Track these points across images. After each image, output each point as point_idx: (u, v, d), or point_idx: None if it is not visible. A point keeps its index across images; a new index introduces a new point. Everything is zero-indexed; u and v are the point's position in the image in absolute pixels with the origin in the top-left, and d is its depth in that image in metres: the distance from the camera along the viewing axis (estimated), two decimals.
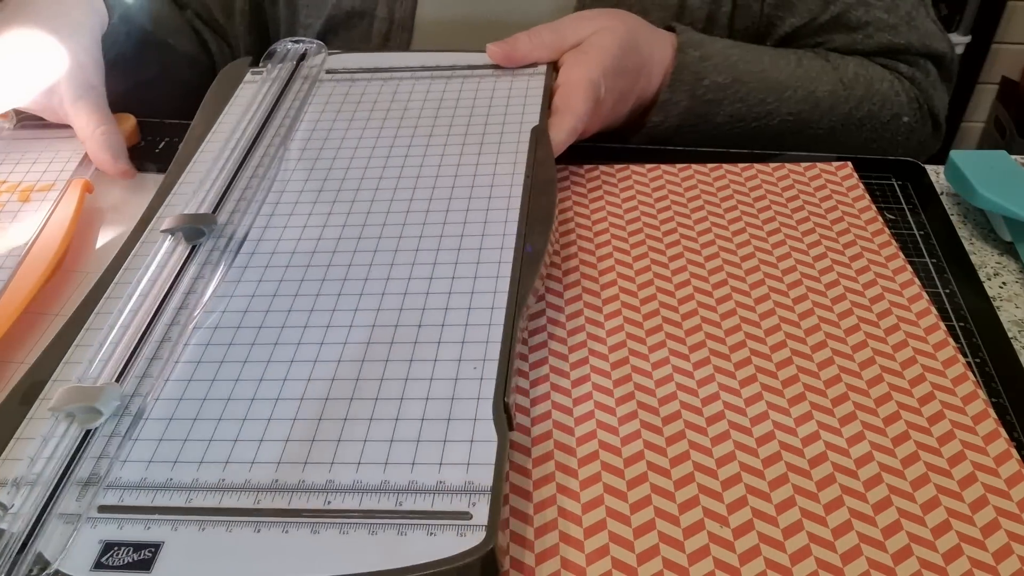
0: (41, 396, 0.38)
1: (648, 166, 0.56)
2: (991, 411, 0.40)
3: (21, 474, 0.35)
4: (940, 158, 0.59)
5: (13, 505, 0.34)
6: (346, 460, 0.35)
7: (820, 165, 0.56)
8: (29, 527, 0.33)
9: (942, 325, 0.45)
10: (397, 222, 0.46)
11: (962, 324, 0.47)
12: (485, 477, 0.34)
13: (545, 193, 0.47)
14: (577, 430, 0.40)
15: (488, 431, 0.35)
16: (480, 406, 0.37)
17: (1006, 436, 0.39)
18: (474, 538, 0.32)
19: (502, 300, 0.41)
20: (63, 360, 0.40)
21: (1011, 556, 0.35)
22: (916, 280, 0.48)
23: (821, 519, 0.36)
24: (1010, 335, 0.46)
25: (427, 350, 0.39)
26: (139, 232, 0.46)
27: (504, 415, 0.36)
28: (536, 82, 0.55)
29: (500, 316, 0.40)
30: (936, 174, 0.59)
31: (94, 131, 0.53)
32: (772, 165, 0.56)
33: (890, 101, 0.63)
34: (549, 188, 0.47)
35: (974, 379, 0.42)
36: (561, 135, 0.51)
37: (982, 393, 0.41)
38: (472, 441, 0.35)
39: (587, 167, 0.56)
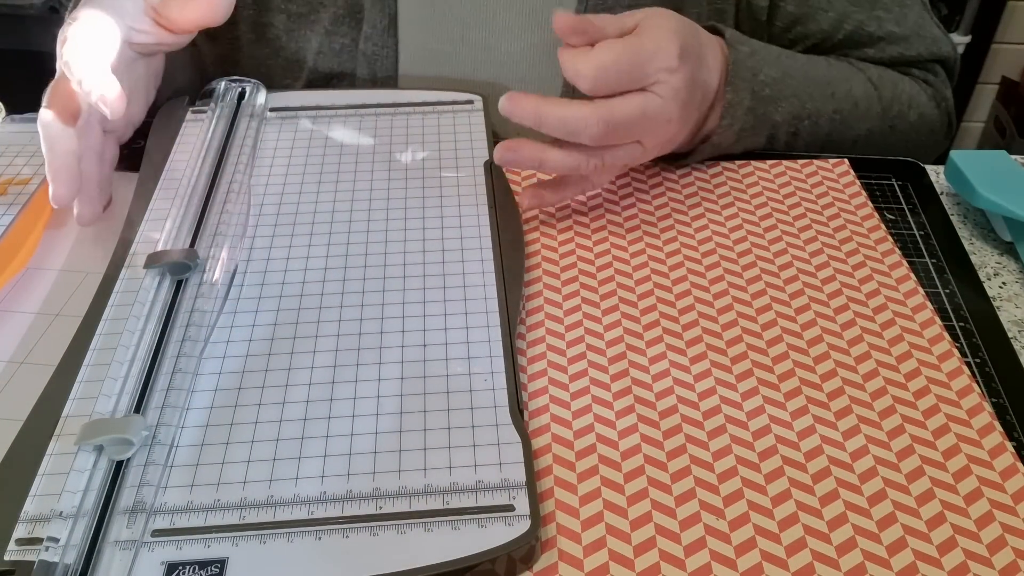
0: (56, 433, 0.39)
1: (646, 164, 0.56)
2: (986, 405, 0.41)
3: (61, 508, 0.36)
4: (940, 158, 0.59)
5: (60, 537, 0.34)
6: (386, 469, 0.37)
7: (817, 163, 0.57)
8: (84, 556, 0.34)
9: (938, 321, 0.45)
10: (378, 251, 0.48)
11: (962, 324, 0.47)
12: (518, 474, 0.37)
13: (510, 209, 0.51)
14: (574, 424, 0.40)
15: (511, 434, 0.39)
16: (499, 413, 0.40)
17: (1001, 430, 0.40)
18: (521, 526, 0.35)
19: (495, 319, 0.44)
20: (70, 397, 0.40)
21: (1005, 548, 0.35)
22: (912, 276, 0.48)
23: (817, 512, 0.36)
24: (1010, 335, 0.46)
25: (438, 367, 0.42)
26: (116, 268, 0.47)
27: (520, 418, 0.39)
28: (477, 117, 0.58)
29: (497, 333, 0.43)
30: (936, 174, 0.59)
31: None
32: (769, 163, 0.56)
33: (916, 101, 0.63)
34: (511, 203, 0.51)
35: (969, 374, 0.42)
36: (649, 47, 0.46)
37: (977, 387, 0.42)
38: (499, 444, 0.38)
39: None
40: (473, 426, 0.39)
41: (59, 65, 0.49)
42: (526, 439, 0.38)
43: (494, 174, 0.53)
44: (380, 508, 0.36)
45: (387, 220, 0.50)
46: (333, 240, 0.49)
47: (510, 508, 0.35)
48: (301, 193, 0.52)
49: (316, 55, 0.65)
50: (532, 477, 0.37)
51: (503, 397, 0.40)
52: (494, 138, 0.56)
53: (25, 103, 0.61)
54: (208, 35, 0.56)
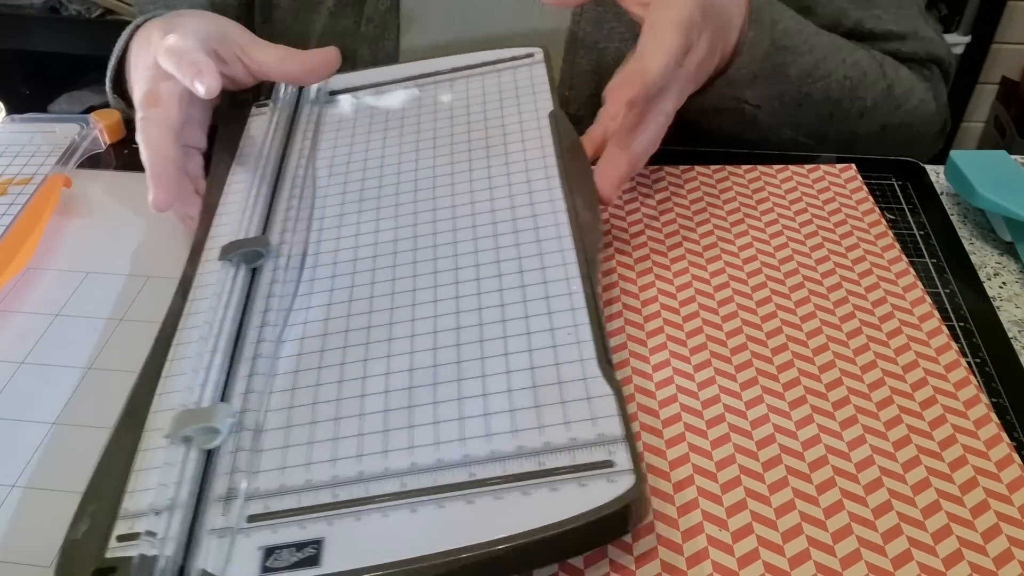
0: (145, 428, 0.39)
1: (650, 167, 0.56)
2: (993, 416, 0.40)
3: (156, 502, 0.35)
4: (940, 158, 0.59)
5: (158, 531, 0.34)
6: (475, 435, 0.36)
7: (824, 167, 0.56)
8: (183, 548, 0.34)
9: (945, 329, 0.45)
10: (447, 216, 0.47)
11: (962, 324, 0.47)
12: (614, 427, 0.35)
13: (579, 160, 0.49)
14: None
15: (601, 387, 0.37)
16: (586, 366, 0.38)
17: (1008, 440, 0.39)
18: (624, 482, 0.33)
19: (574, 270, 0.42)
20: (156, 392, 0.40)
21: (1012, 561, 0.35)
22: (919, 284, 0.47)
23: (821, 523, 0.36)
24: (1010, 335, 0.46)
25: (517, 325, 0.40)
26: (194, 263, 0.47)
27: (610, 369, 0.38)
28: (539, 70, 0.57)
29: (577, 284, 0.42)
30: (936, 174, 0.59)
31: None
32: (776, 167, 0.56)
33: (916, 87, 0.63)
34: (581, 155, 0.50)
35: (976, 383, 0.42)
36: (654, 69, 0.44)
37: (984, 398, 0.41)
38: (589, 398, 0.36)
39: None
40: (559, 382, 0.37)
41: (152, 69, 0.50)
42: (618, 390, 0.36)
43: (559, 123, 0.52)
44: (473, 475, 0.34)
45: (452, 184, 0.50)
46: (400, 211, 0.48)
47: (609, 464, 0.34)
48: (365, 169, 0.52)
49: (320, 37, 0.66)
50: (630, 429, 0.35)
51: (590, 349, 0.38)
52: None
53: (25, 103, 0.61)
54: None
